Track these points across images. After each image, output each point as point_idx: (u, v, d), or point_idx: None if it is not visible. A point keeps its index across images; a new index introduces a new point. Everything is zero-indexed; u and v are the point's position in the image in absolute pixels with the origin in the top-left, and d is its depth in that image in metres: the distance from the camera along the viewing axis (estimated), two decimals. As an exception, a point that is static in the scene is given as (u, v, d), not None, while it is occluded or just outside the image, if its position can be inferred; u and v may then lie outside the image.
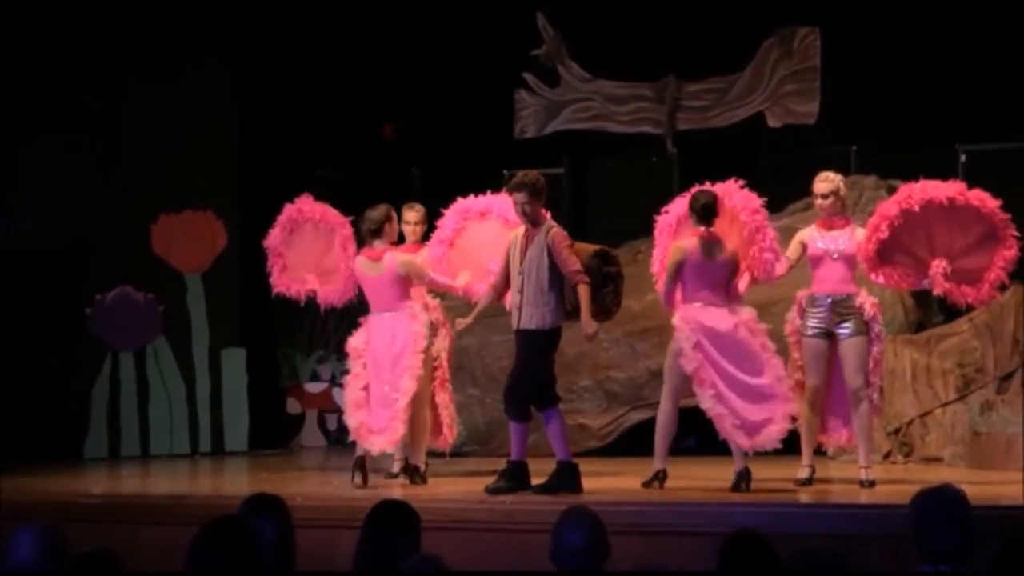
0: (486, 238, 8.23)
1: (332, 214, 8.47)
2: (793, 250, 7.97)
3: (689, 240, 7.66)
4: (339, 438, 11.49)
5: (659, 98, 11.12)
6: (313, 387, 11.54)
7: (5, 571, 4.02)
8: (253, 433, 10.92)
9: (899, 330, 9.47)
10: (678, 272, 7.59)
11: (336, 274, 8.39)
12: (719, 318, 7.55)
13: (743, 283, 7.74)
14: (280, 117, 11.33)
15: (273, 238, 8.53)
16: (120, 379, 10.75)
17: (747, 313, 7.67)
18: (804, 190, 10.01)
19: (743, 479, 7.52)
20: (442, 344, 8.39)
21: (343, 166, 11.44)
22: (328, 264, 8.44)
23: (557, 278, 7.45)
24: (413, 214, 8.60)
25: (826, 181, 8.00)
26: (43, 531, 4.08)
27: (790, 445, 7.82)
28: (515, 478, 7.51)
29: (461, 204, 8.45)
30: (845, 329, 7.71)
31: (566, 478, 7.51)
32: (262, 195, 11.24)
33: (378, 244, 8.00)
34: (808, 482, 7.70)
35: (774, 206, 10.20)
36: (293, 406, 11.51)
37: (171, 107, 10.72)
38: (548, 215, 7.64)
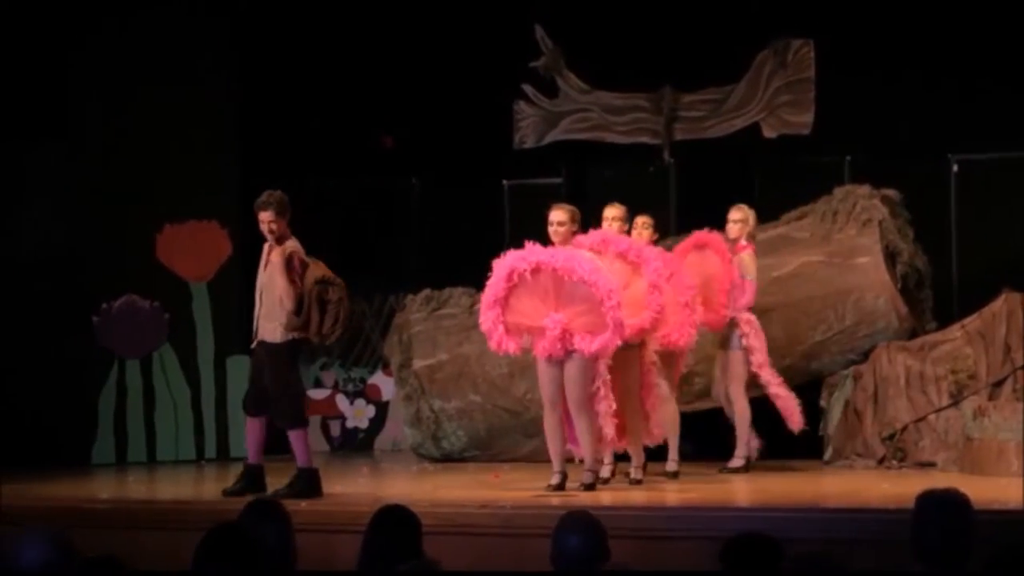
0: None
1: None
2: None
3: None
4: (342, 444, 11.51)
5: (656, 109, 11.12)
6: (317, 394, 11.52)
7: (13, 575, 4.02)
8: (257, 439, 10.90)
9: (893, 337, 9.47)
10: None
11: None
12: None
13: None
14: (281, 128, 11.32)
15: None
16: (127, 386, 10.75)
17: None
18: (798, 199, 10.07)
19: None
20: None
21: (344, 176, 11.44)
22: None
23: (320, 305, 7.76)
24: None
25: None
26: (51, 536, 4.07)
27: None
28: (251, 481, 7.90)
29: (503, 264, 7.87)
30: None
31: (306, 483, 7.83)
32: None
33: None
34: None
35: (769, 215, 10.26)
36: (297, 412, 11.48)
37: (174, 118, 10.72)
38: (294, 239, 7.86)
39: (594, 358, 7.69)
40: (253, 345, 8.04)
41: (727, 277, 8.91)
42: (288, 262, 7.79)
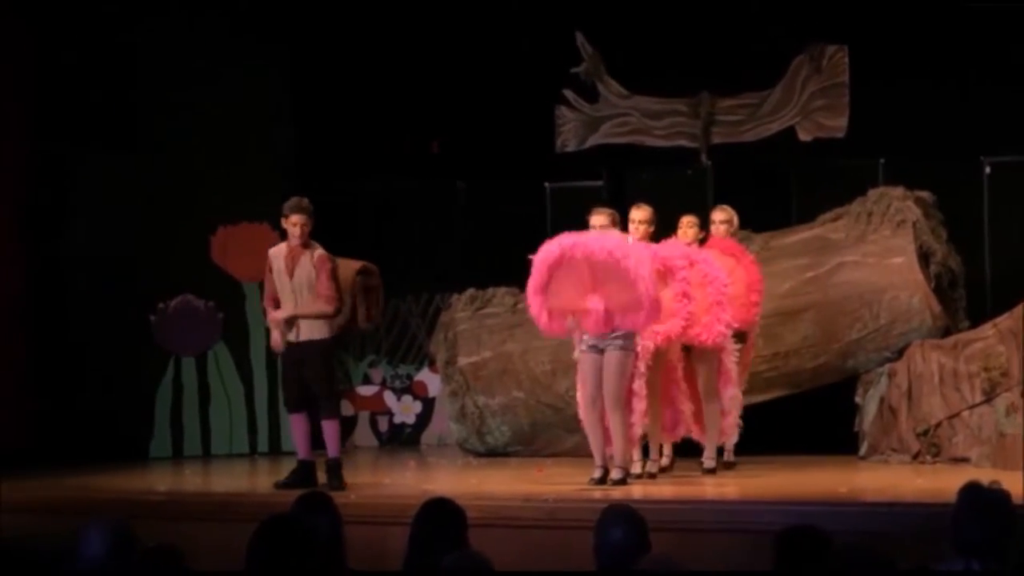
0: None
1: None
2: None
3: None
4: (390, 438, 11.55)
5: (694, 113, 11.09)
6: (365, 390, 11.57)
7: (77, 565, 4.06)
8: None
9: (927, 335, 9.41)
10: None
11: None
12: None
13: None
14: (331, 132, 11.38)
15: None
16: (183, 383, 10.84)
17: None
18: (833, 201, 10.02)
19: None
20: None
21: (391, 179, 11.48)
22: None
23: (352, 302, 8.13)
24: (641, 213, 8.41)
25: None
26: (113, 527, 4.12)
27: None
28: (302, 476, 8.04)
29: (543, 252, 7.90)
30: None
31: (338, 472, 8.02)
32: (314, 207, 11.31)
33: None
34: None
35: (804, 216, 10.22)
36: (346, 408, 11.52)
37: (227, 123, 10.80)
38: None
39: (633, 355, 7.71)
40: (281, 346, 8.14)
41: (753, 275, 8.85)
42: (318, 265, 8.02)
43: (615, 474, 7.78)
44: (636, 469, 8.26)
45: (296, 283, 8.06)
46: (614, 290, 7.61)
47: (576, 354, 8.00)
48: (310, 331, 8.05)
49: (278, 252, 8.19)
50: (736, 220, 9.09)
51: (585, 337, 7.81)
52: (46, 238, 10.47)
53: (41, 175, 10.44)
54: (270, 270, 8.18)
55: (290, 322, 8.07)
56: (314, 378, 8.08)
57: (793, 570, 4.00)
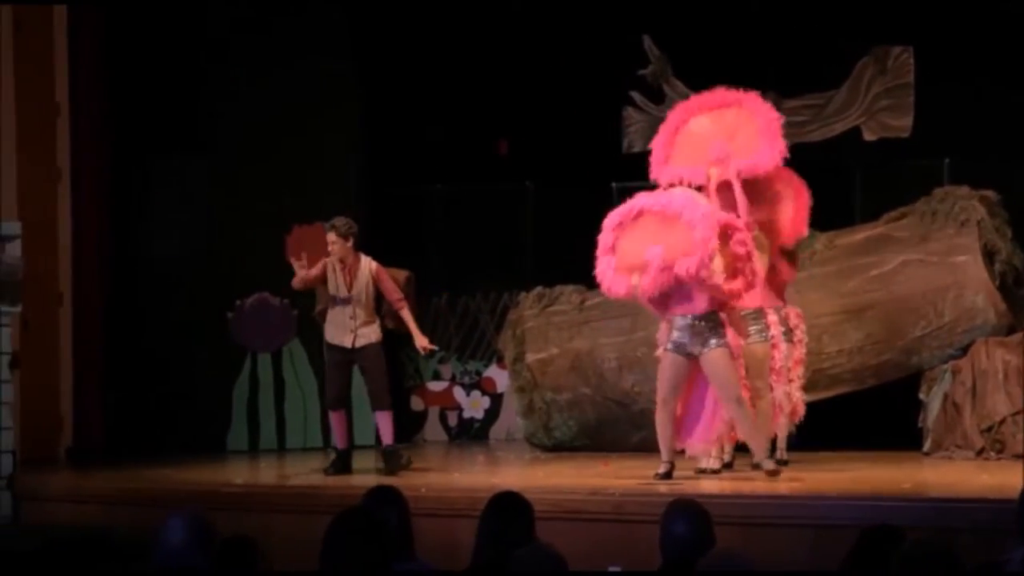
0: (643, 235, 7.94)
1: None
2: None
3: None
4: (459, 433, 11.59)
5: (759, 113, 11.00)
6: (435, 386, 11.61)
7: (158, 554, 4.11)
8: (380, 428, 11.02)
9: (991, 333, 9.28)
10: None
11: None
12: None
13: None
14: (398, 135, 11.44)
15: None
16: (259, 378, 10.94)
17: None
18: (898, 200, 9.91)
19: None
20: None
21: (460, 181, 11.52)
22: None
23: (377, 302, 8.55)
24: None
25: None
26: (193, 518, 4.16)
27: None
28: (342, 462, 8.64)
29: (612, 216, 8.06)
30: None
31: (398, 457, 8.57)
32: (383, 208, 11.38)
33: None
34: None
35: (869, 215, 10.11)
36: (416, 403, 11.59)
37: (301, 127, 10.88)
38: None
39: (730, 349, 7.68)
40: (347, 349, 8.47)
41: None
42: (380, 273, 8.49)
43: (766, 465, 7.76)
44: (703, 463, 8.22)
45: (355, 293, 8.45)
46: (673, 241, 7.62)
47: (659, 352, 7.96)
48: (366, 337, 8.45)
49: (339, 265, 8.54)
50: None
51: (674, 335, 7.75)
52: (128, 239, 10.61)
53: (122, 179, 10.58)
54: (324, 269, 8.54)
55: (344, 328, 8.43)
56: (375, 377, 8.52)
57: (868, 566, 3.98)
